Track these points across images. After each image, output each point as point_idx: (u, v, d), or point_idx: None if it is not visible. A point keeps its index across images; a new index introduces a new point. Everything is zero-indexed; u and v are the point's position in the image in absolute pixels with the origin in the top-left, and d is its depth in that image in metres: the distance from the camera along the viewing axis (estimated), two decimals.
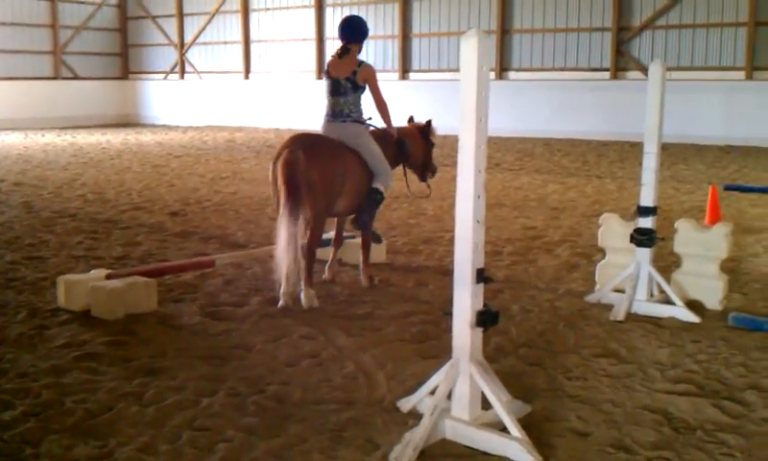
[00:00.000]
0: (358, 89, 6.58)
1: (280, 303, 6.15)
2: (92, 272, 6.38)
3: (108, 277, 6.17)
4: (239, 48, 29.38)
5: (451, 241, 3.98)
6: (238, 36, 29.36)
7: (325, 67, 6.71)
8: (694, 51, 20.95)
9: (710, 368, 4.88)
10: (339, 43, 6.68)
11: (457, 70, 3.77)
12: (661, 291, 6.07)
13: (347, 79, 6.54)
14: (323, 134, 6.55)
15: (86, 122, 29.48)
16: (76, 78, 30.62)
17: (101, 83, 31.28)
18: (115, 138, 23.25)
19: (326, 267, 6.98)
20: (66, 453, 3.78)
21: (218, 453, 3.77)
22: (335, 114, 6.59)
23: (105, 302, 5.83)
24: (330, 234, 7.15)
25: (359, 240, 7.12)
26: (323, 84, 6.72)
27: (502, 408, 3.85)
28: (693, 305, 5.98)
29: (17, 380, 4.68)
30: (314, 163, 6.07)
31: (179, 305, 6.23)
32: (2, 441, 3.91)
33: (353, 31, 6.67)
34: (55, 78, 30.04)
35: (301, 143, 6.16)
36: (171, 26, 31.16)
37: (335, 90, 6.58)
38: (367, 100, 6.62)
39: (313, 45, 27.26)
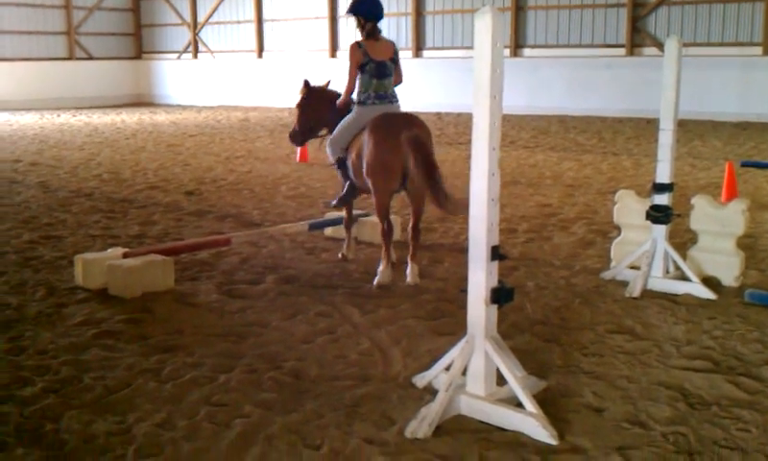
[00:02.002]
0: (395, 69, 6.52)
1: (379, 279, 6.13)
2: (109, 250, 6.43)
3: (125, 255, 6.22)
4: (252, 27, 29.32)
5: (466, 219, 3.99)
6: (251, 15, 29.29)
7: (358, 50, 6.37)
8: (711, 26, 20.73)
9: (726, 344, 4.87)
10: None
11: (471, 48, 3.76)
12: (677, 268, 6.05)
13: (391, 60, 6.45)
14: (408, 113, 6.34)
15: (101, 102, 29.57)
16: (90, 58, 30.70)
17: (115, 63, 31.36)
18: (130, 118, 23.32)
19: (344, 245, 6.98)
20: (86, 429, 3.83)
21: (235, 429, 3.81)
22: (380, 96, 6.41)
23: (122, 280, 5.88)
24: (337, 214, 7.18)
25: (374, 218, 7.12)
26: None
27: (517, 384, 3.87)
28: (709, 282, 5.96)
29: (37, 357, 4.74)
30: (429, 142, 6.05)
31: (195, 284, 6.27)
32: (22, 417, 3.96)
33: (380, 9, 6.53)
34: (69, 58, 30.13)
35: (413, 123, 6.03)
36: (184, 5, 31.13)
37: (381, 73, 6.39)
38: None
39: (326, 24, 27.14)
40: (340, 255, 6.92)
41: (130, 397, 4.19)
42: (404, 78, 6.74)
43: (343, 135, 6.54)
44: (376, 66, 6.39)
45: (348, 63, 6.48)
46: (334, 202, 6.97)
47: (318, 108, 6.90)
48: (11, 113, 24.79)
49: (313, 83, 7.03)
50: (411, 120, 6.11)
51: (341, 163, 6.64)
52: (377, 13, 6.49)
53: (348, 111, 6.59)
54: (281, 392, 4.23)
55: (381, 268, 6.18)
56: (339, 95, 6.78)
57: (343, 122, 6.58)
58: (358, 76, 6.45)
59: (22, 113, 24.92)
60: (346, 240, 7.00)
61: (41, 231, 8.16)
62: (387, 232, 6.21)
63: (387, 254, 6.19)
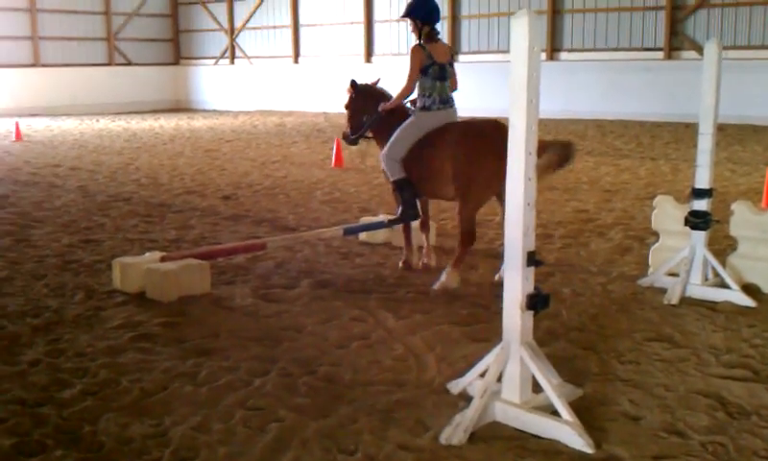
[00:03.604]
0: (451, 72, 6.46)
1: (445, 281, 6.10)
2: (147, 255, 6.50)
3: (163, 259, 6.28)
4: (288, 32, 29.50)
5: (501, 224, 3.97)
6: (288, 20, 29.47)
7: (422, 52, 6.29)
8: (751, 29, 20.41)
9: (766, 352, 4.79)
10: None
11: (507, 51, 3.74)
12: (716, 275, 5.96)
13: (449, 63, 6.40)
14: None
15: (140, 107, 29.95)
16: (129, 64, 31.11)
17: (153, 68, 31.74)
18: (168, 123, 23.57)
19: (403, 251, 6.85)
20: (123, 431, 3.87)
21: (270, 433, 3.82)
22: (444, 101, 6.35)
23: (159, 284, 5.93)
24: (379, 218, 7.16)
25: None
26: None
27: (553, 391, 3.83)
28: (749, 289, 5.86)
29: (75, 360, 4.80)
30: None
31: (231, 287, 6.31)
32: (61, 418, 4.02)
33: (437, 12, 6.47)
34: (109, 64, 30.56)
35: (500, 128, 5.94)
36: (221, 11, 31.41)
37: (442, 76, 6.33)
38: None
39: (362, 28, 27.19)
40: (401, 264, 6.76)
41: (166, 400, 4.22)
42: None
43: (403, 143, 6.34)
44: (439, 69, 6.30)
45: (408, 65, 6.35)
46: (392, 218, 6.86)
47: (366, 107, 6.76)
48: (51, 119, 25.20)
49: (359, 82, 6.89)
50: (503, 128, 6.08)
51: (404, 184, 6.43)
52: (435, 16, 6.41)
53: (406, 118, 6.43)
54: (316, 397, 4.23)
55: (449, 270, 6.12)
56: (387, 94, 6.72)
57: (401, 130, 6.37)
58: (420, 79, 6.34)
59: (63, 119, 25.33)
60: (405, 248, 6.77)
61: (80, 235, 8.28)
62: (469, 239, 6.11)
63: (460, 260, 6.13)
